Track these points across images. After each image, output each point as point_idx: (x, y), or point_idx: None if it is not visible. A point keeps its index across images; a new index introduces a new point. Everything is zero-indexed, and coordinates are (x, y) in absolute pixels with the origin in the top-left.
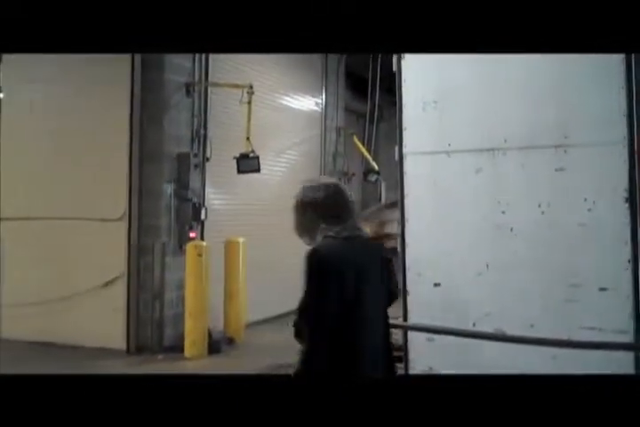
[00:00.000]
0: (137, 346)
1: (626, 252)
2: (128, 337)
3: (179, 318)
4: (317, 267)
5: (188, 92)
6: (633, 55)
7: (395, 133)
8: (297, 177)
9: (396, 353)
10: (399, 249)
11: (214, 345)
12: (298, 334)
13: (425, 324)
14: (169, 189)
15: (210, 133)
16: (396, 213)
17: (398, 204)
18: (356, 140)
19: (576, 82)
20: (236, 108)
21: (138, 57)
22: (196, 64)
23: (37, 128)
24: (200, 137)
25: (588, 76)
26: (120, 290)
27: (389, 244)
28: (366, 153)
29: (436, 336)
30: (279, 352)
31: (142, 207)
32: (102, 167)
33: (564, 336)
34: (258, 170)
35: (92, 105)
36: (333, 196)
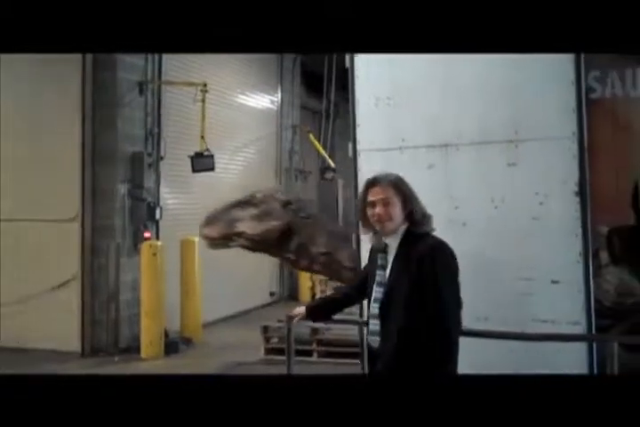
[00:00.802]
0: (92, 348)
1: (577, 245)
2: (83, 339)
3: (134, 319)
4: (457, 265)
5: (141, 90)
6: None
7: (350, 130)
8: (253, 175)
9: None
10: (354, 245)
11: (171, 345)
12: (409, 335)
13: None
14: (123, 188)
15: (164, 132)
16: (245, 212)
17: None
18: (312, 137)
19: (527, 78)
20: (190, 107)
21: (89, 56)
22: (149, 62)
23: None
24: (154, 136)
25: (538, 73)
26: (74, 291)
27: (240, 243)
28: (322, 150)
29: None
30: (236, 351)
31: (96, 208)
32: (55, 168)
33: (518, 329)
34: (212, 168)
35: (43, 105)
36: None
